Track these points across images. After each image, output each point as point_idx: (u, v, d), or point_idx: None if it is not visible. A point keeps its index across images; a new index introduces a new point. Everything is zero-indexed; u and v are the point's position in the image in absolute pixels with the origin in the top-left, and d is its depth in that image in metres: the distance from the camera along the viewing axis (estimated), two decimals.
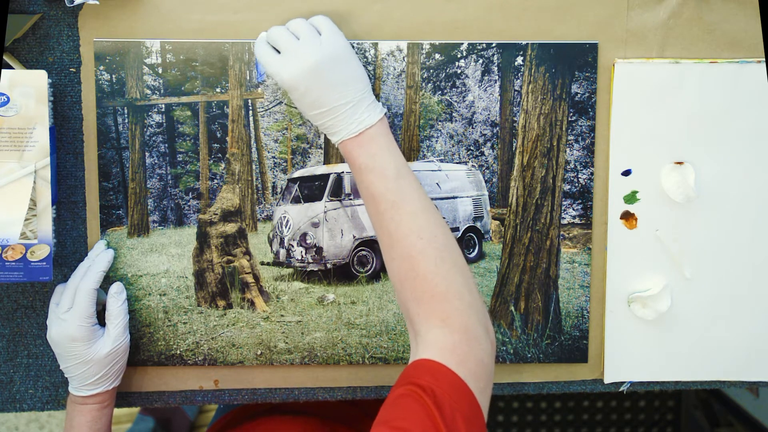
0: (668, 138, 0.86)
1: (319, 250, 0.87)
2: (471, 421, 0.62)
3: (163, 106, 0.84)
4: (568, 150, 0.86)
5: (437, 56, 0.85)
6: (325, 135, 0.85)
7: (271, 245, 0.87)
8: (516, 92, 0.86)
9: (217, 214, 0.86)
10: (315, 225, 0.87)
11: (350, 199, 0.87)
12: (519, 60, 0.85)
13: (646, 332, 0.89)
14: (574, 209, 0.87)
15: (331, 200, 0.87)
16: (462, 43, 0.84)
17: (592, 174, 0.87)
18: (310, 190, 0.87)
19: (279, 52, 0.76)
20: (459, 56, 0.85)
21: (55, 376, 0.88)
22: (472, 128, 0.86)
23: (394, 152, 0.74)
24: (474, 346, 0.66)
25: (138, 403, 0.89)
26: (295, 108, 0.85)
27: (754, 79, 0.85)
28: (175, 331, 0.86)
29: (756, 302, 0.89)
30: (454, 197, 0.87)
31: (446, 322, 0.67)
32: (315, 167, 0.86)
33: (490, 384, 0.67)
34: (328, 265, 0.87)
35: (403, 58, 0.84)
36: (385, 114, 0.76)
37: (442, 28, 0.84)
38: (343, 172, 0.86)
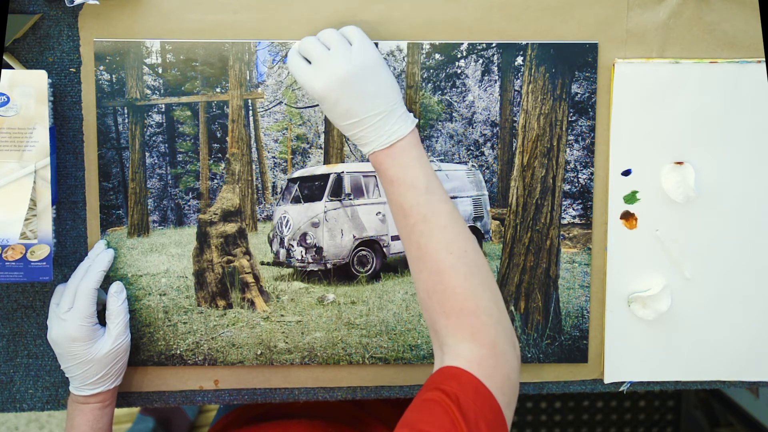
0: (668, 138, 0.86)
1: (319, 250, 0.87)
2: (494, 428, 0.62)
3: (163, 106, 0.84)
4: (568, 150, 0.86)
5: (437, 56, 0.85)
6: (325, 135, 0.85)
7: (271, 245, 0.87)
8: (516, 92, 0.86)
9: (217, 214, 0.86)
10: (315, 225, 0.87)
11: (350, 199, 0.87)
12: (519, 60, 0.85)
13: (646, 332, 0.89)
14: (574, 209, 0.87)
15: (331, 200, 0.87)
16: (462, 43, 0.84)
17: (592, 174, 0.87)
18: (310, 190, 0.87)
19: (310, 62, 0.76)
20: (459, 56, 0.85)
21: (55, 376, 0.88)
22: (472, 128, 0.86)
23: (425, 165, 0.73)
24: (501, 361, 0.67)
25: (138, 403, 0.89)
26: (295, 108, 0.85)
27: (754, 79, 0.85)
28: (175, 331, 0.86)
29: (756, 302, 0.89)
30: (454, 197, 0.87)
31: (475, 336, 0.67)
32: (315, 167, 0.86)
33: (514, 399, 0.68)
34: (328, 265, 0.87)
35: (403, 58, 0.84)
36: (417, 125, 0.76)
37: (442, 28, 0.84)
38: (343, 172, 0.86)
